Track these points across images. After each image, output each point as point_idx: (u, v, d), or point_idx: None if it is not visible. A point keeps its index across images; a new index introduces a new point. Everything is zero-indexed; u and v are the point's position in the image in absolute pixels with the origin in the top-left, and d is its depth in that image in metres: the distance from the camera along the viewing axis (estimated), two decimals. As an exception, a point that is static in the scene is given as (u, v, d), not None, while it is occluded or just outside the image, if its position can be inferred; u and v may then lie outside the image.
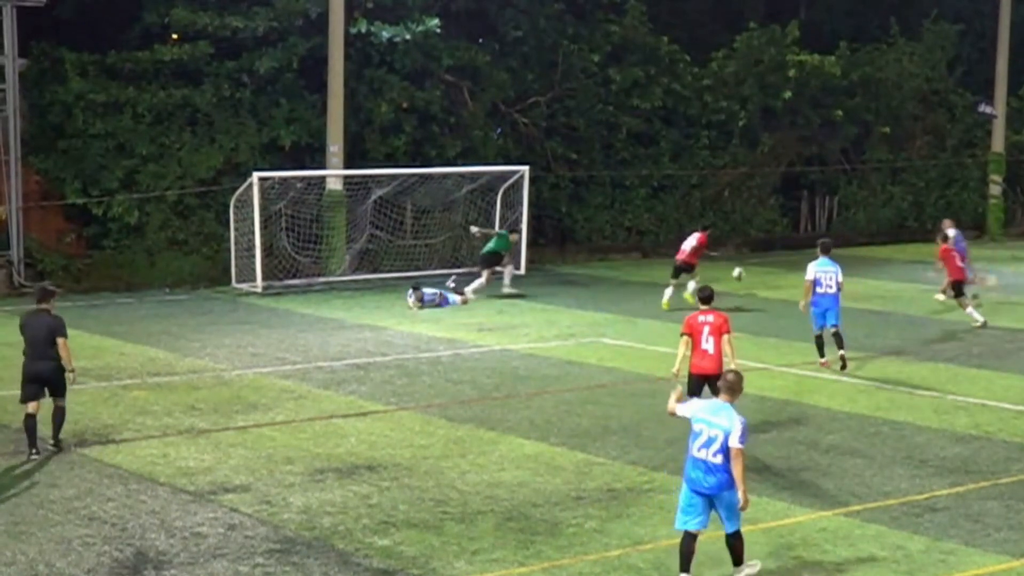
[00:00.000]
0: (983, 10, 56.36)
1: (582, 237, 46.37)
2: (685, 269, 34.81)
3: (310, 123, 40.35)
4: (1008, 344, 30.02)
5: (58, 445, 19.94)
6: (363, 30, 40.10)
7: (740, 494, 14.33)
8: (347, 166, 39.46)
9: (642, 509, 17.31)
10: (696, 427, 14.63)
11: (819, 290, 26.35)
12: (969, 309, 32.20)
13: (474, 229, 38.64)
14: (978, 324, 31.87)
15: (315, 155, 40.10)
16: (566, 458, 19.76)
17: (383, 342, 29.55)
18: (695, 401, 15.23)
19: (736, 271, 36.04)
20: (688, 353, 20.48)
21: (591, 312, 33.80)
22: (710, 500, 14.55)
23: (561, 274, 41.36)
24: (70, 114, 38.45)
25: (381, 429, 21.55)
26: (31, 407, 19.79)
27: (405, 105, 41.65)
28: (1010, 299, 36.14)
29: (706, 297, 20.87)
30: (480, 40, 44.77)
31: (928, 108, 55.28)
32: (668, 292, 34.28)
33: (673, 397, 15.37)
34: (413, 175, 40.41)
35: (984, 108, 54.39)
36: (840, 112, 50.76)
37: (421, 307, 34.15)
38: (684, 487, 14.70)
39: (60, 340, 19.85)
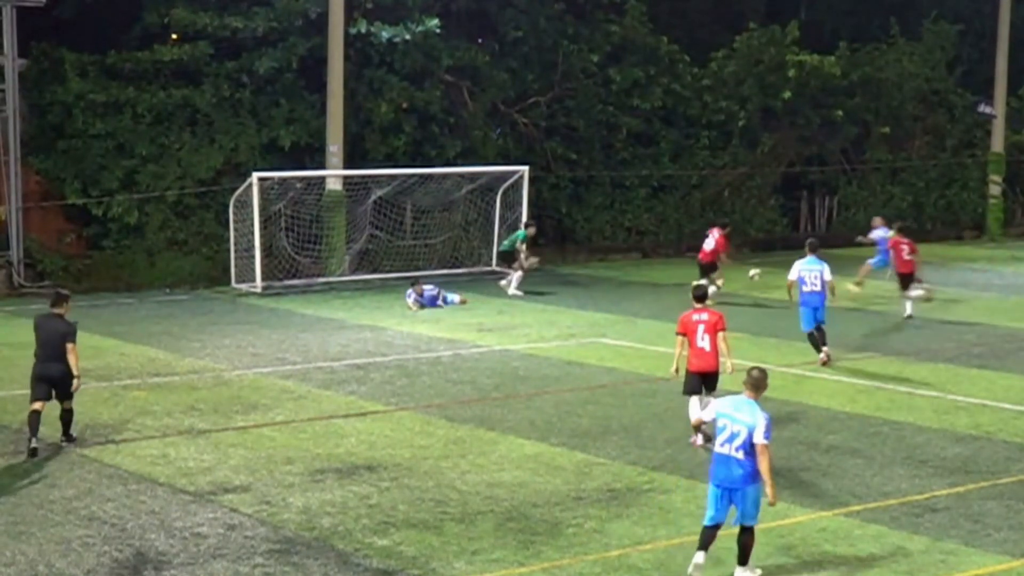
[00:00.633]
0: (983, 10, 56.37)
1: (582, 237, 46.36)
2: (710, 268, 35.15)
3: (310, 123, 40.35)
4: (1008, 344, 30.01)
5: (70, 439, 20.37)
6: (363, 30, 40.11)
7: (768, 489, 14.53)
8: (347, 166, 39.46)
9: (642, 509, 17.30)
10: (720, 423, 14.76)
11: (805, 288, 26.95)
12: (912, 295, 33.39)
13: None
14: (907, 315, 33.08)
15: (315, 155, 40.10)
16: (566, 458, 19.75)
17: (383, 342, 29.54)
18: (716, 401, 15.25)
19: (752, 272, 36.04)
20: (685, 352, 20.63)
21: (591, 312, 33.80)
22: (730, 495, 14.62)
23: (561, 274, 41.35)
24: (70, 114, 38.46)
25: (381, 429, 21.54)
26: (37, 405, 20.09)
27: (405, 105, 41.66)
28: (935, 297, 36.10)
29: (700, 295, 20.99)
30: (480, 40, 44.78)
31: (928, 108, 55.28)
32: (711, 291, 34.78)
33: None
34: (413, 175, 40.40)
35: (984, 108, 54.39)
36: (840, 112, 50.76)
37: (421, 307, 34.14)
38: (710, 482, 14.94)
39: (69, 346, 20.14)
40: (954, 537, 16.29)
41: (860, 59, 52.22)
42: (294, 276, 38.33)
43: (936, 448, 20.64)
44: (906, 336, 30.72)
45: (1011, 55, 54.12)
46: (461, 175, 41.55)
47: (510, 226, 41.61)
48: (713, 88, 49.13)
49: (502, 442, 20.73)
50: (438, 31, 40.90)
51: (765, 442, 14.42)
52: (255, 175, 37.11)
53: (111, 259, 38.42)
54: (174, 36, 40.56)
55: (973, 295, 37.94)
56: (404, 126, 41.72)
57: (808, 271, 26.96)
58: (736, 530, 14.83)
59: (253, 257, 37.06)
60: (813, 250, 27.57)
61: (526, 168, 42.03)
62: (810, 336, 27.04)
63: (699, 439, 20.28)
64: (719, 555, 15.48)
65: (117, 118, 38.78)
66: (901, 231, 35.40)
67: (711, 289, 34.15)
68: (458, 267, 41.16)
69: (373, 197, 40.04)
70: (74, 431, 20.52)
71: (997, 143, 55.00)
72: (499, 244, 41.26)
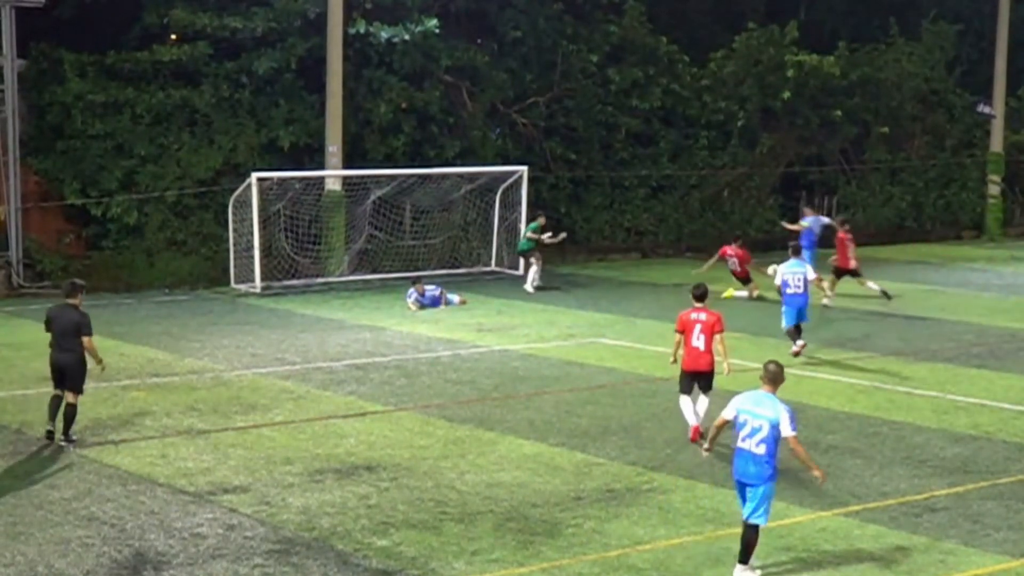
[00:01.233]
0: (982, 10, 56.38)
1: (581, 237, 46.33)
2: (746, 280, 36.63)
3: (309, 124, 40.33)
4: (1007, 344, 30.03)
5: (70, 440, 20.28)
6: (362, 31, 40.09)
7: (815, 472, 14.98)
8: (346, 166, 39.45)
9: (641, 509, 17.31)
10: (740, 418, 14.82)
11: (788, 291, 27.67)
12: (869, 284, 35.21)
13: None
14: (875, 291, 35.11)
15: (314, 156, 40.09)
16: (565, 458, 19.76)
17: (382, 342, 29.55)
18: (736, 398, 15.27)
19: (770, 269, 35.96)
20: (678, 348, 20.98)
21: (590, 312, 33.81)
22: (743, 489, 14.72)
23: (560, 274, 41.32)
24: (69, 115, 38.44)
25: (380, 429, 21.55)
26: (57, 391, 20.56)
27: (404, 105, 41.64)
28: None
29: (700, 295, 21.05)
30: (479, 40, 44.76)
31: (927, 108, 55.27)
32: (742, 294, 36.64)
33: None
34: (412, 175, 40.39)
35: (983, 108, 54.37)
36: (839, 112, 50.74)
37: (421, 307, 34.14)
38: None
39: (85, 339, 20.32)
40: (953, 537, 16.31)
41: (859, 59, 52.20)
42: (293, 276, 38.32)
43: (935, 448, 20.66)
44: (905, 336, 30.73)
45: (1010, 55, 54.14)
46: (460, 175, 41.54)
47: (509, 226, 41.63)
48: (712, 88, 49.12)
49: (501, 442, 20.74)
50: (437, 31, 40.89)
51: (794, 433, 14.63)
52: (254, 175, 37.10)
53: (110, 259, 38.40)
54: (173, 36, 40.54)
55: (972, 295, 37.95)
56: (403, 126, 41.71)
57: (791, 274, 27.67)
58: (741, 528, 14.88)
59: (252, 257, 37.05)
60: (796, 253, 28.84)
61: (525, 168, 42.00)
62: (788, 332, 27.76)
63: (691, 422, 20.56)
64: (718, 555, 15.51)
65: (116, 118, 38.76)
66: (844, 224, 36.75)
67: (751, 293, 36.29)
68: (457, 267, 41.15)
69: (372, 197, 40.02)
70: (74, 433, 20.44)
71: (996, 143, 55.00)
72: (498, 244, 41.32)
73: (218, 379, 25.46)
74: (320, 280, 38.51)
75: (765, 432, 14.57)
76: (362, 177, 39.75)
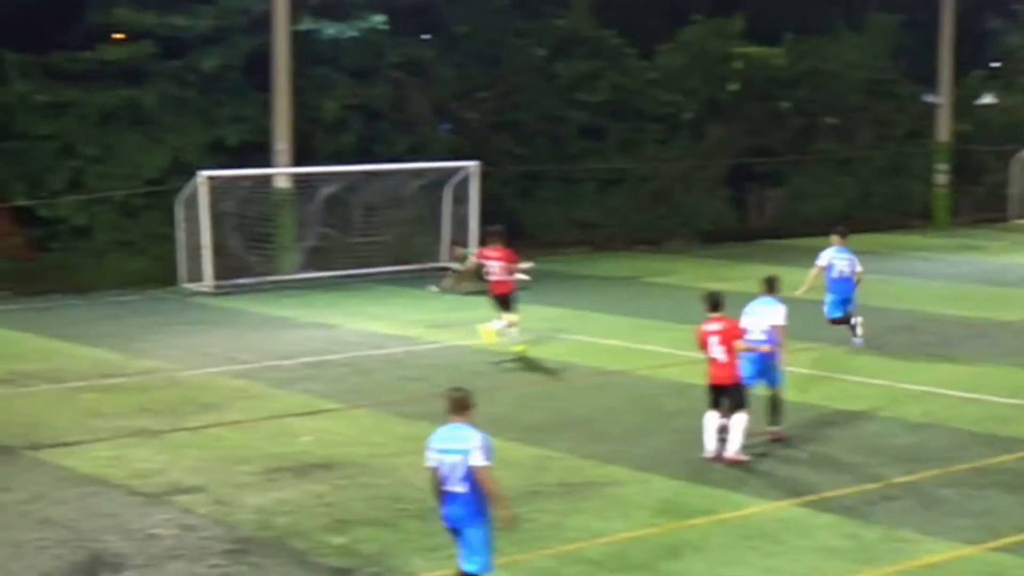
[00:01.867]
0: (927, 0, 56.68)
1: (532, 232, 46.33)
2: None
3: (256, 121, 40.18)
4: (956, 332, 30.20)
5: None
6: (308, 28, 39.99)
7: (503, 513, 13.16)
8: (295, 164, 39.34)
9: (598, 503, 17.32)
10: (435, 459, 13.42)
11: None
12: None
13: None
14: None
15: (262, 154, 39.93)
16: (521, 453, 19.75)
17: (335, 340, 29.48)
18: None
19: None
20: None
21: (543, 307, 33.77)
22: None
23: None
24: (14, 116, 38.17)
25: (335, 427, 21.51)
26: None
27: (352, 102, 41.54)
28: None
29: (714, 305, 19.43)
30: (426, 36, 44.70)
31: (874, 98, 55.52)
32: None
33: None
34: (361, 172, 40.32)
35: (929, 98, 54.71)
36: (786, 104, 50.97)
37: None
38: None
39: None
40: (909, 525, 16.38)
41: (805, 50, 52.44)
42: (245, 275, 38.16)
43: (889, 436, 20.76)
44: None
45: (955, 45, 54.40)
46: (410, 171, 41.49)
47: (459, 221, 41.58)
48: (660, 81, 49.22)
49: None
50: (384, 27, 40.83)
51: (486, 464, 12.91)
52: (202, 174, 36.95)
53: (59, 261, 38.16)
54: (118, 36, 40.31)
55: (922, 284, 38.16)
56: (351, 123, 41.63)
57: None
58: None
59: (203, 257, 36.89)
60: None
61: (475, 164, 41.96)
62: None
63: (708, 452, 19.36)
64: (675, 546, 15.54)
65: (62, 119, 38.52)
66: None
67: None
68: (408, 263, 41.06)
69: (322, 195, 39.93)
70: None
71: (943, 132, 55.31)
72: (449, 240, 41.26)
73: (171, 379, 25.34)
74: (271, 278, 38.37)
75: (463, 468, 12.95)
76: (311, 174, 39.65)
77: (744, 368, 19.93)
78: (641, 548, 15.59)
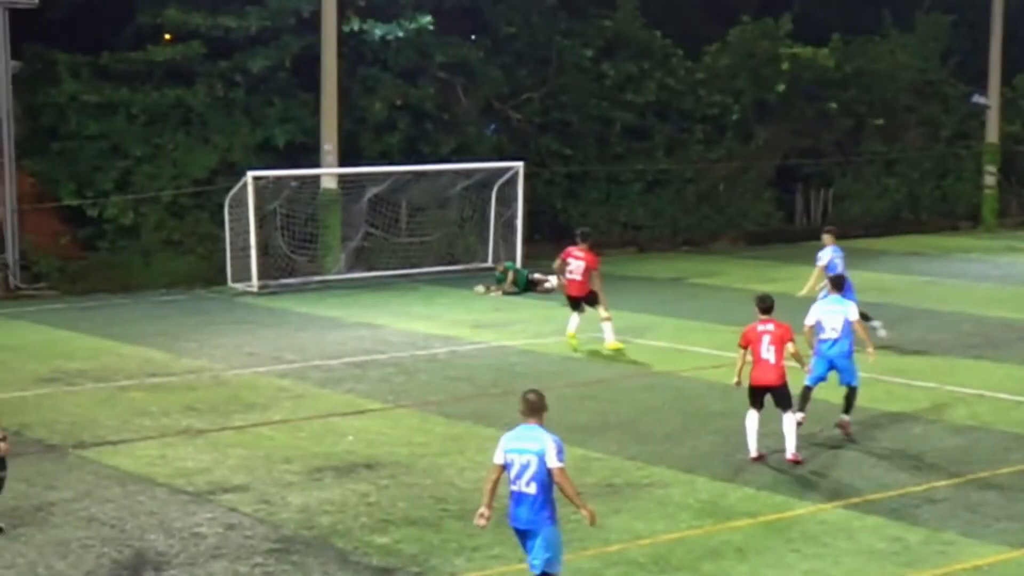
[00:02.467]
0: (976, 0, 56.32)
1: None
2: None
3: (304, 122, 40.32)
4: (1005, 334, 30.02)
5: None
6: (356, 28, 40.10)
7: (583, 512, 13.33)
8: (341, 164, 39.42)
9: (641, 504, 17.31)
10: (508, 458, 13.36)
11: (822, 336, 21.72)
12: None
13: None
14: None
15: (309, 154, 40.04)
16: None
17: (380, 340, 29.53)
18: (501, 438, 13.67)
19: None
20: (746, 363, 19.51)
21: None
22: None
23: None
24: (64, 116, 38.41)
25: (379, 427, 21.55)
26: None
27: (399, 103, 41.60)
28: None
29: (767, 307, 19.57)
30: (473, 37, 44.74)
31: (922, 99, 55.23)
32: None
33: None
34: (407, 172, 40.40)
35: (978, 99, 54.35)
36: (834, 104, 50.69)
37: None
38: None
39: None
40: (953, 528, 16.31)
41: (853, 51, 52.19)
42: (290, 275, 38.29)
43: (934, 439, 20.67)
44: (902, 328, 30.67)
45: (1004, 45, 54.06)
46: (456, 172, 41.55)
47: (506, 222, 41.61)
48: (707, 82, 49.09)
49: (500, 439, 20.69)
50: (431, 28, 40.89)
51: (560, 465, 13.02)
52: (249, 174, 37.08)
53: (107, 260, 38.36)
54: (167, 36, 40.51)
55: (969, 285, 37.94)
56: (398, 123, 41.69)
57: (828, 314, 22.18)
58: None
59: (249, 256, 37.02)
60: (836, 287, 22.66)
61: (521, 164, 41.95)
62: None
63: (751, 453, 19.40)
64: (717, 548, 15.52)
65: (111, 119, 38.73)
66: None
67: None
68: (454, 264, 41.13)
69: (368, 195, 40.03)
70: (5, 505, 16.87)
71: (992, 134, 54.96)
72: (495, 241, 41.29)
73: (216, 378, 25.45)
74: (317, 278, 38.49)
75: (534, 468, 13.04)
76: (357, 175, 39.74)
77: (816, 366, 20.81)
78: (683, 549, 15.57)
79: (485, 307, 34.19)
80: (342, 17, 39.46)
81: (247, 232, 36.98)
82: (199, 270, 38.54)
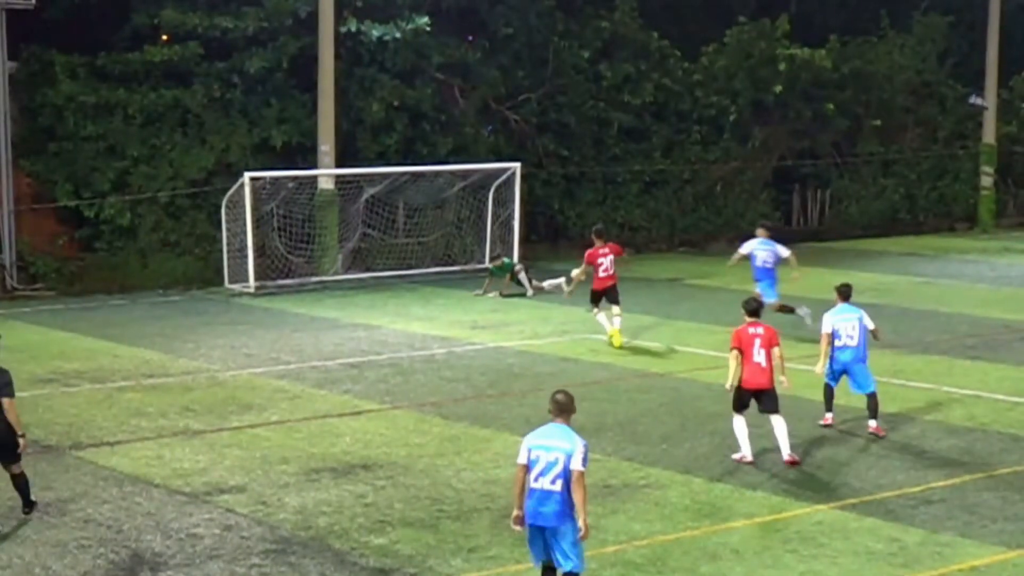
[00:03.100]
0: (973, 1, 56.37)
1: (574, 233, 46.29)
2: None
3: (301, 123, 40.33)
4: (1002, 335, 30.03)
5: (31, 506, 17.15)
6: (353, 29, 40.10)
7: (580, 522, 13.24)
8: (338, 165, 39.45)
9: (638, 505, 17.31)
10: (533, 455, 13.38)
11: (838, 343, 21.69)
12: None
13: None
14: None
15: (306, 155, 40.06)
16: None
17: (377, 341, 29.53)
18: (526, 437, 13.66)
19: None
20: (738, 366, 19.50)
21: (584, 309, 33.74)
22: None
23: (553, 270, 41.22)
24: (61, 116, 38.44)
25: (376, 428, 21.54)
26: None
27: (396, 104, 41.59)
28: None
29: (753, 310, 19.84)
30: (470, 38, 44.73)
31: (919, 100, 55.27)
32: None
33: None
34: (405, 173, 40.40)
35: (975, 100, 54.41)
36: (831, 105, 50.70)
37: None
38: None
39: (6, 401, 16.74)
40: (950, 529, 16.31)
41: (851, 52, 52.20)
42: (287, 276, 38.30)
43: (931, 440, 20.67)
44: (899, 328, 30.68)
45: (1001, 46, 54.11)
46: (453, 172, 41.55)
47: (503, 223, 41.61)
48: (704, 83, 49.12)
49: (497, 439, 20.73)
50: (428, 29, 40.89)
51: (582, 469, 13.12)
52: (247, 175, 37.10)
53: (104, 261, 38.37)
54: (164, 37, 40.50)
55: (966, 286, 37.95)
56: (395, 124, 41.68)
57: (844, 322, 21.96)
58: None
59: (246, 257, 37.03)
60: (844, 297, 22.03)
61: (518, 165, 41.99)
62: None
63: (747, 456, 19.39)
64: (715, 550, 15.52)
65: (108, 120, 38.76)
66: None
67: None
68: (451, 265, 41.14)
69: (365, 196, 40.03)
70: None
71: (989, 134, 55.01)
72: (492, 241, 41.27)
73: (213, 379, 25.44)
74: (314, 279, 38.49)
75: (562, 466, 13.12)
76: (355, 176, 39.76)
77: (830, 373, 21.43)
78: (680, 550, 15.57)
79: (482, 308, 34.19)
80: (339, 18, 39.47)
81: (244, 233, 37.00)
82: (196, 271, 38.56)
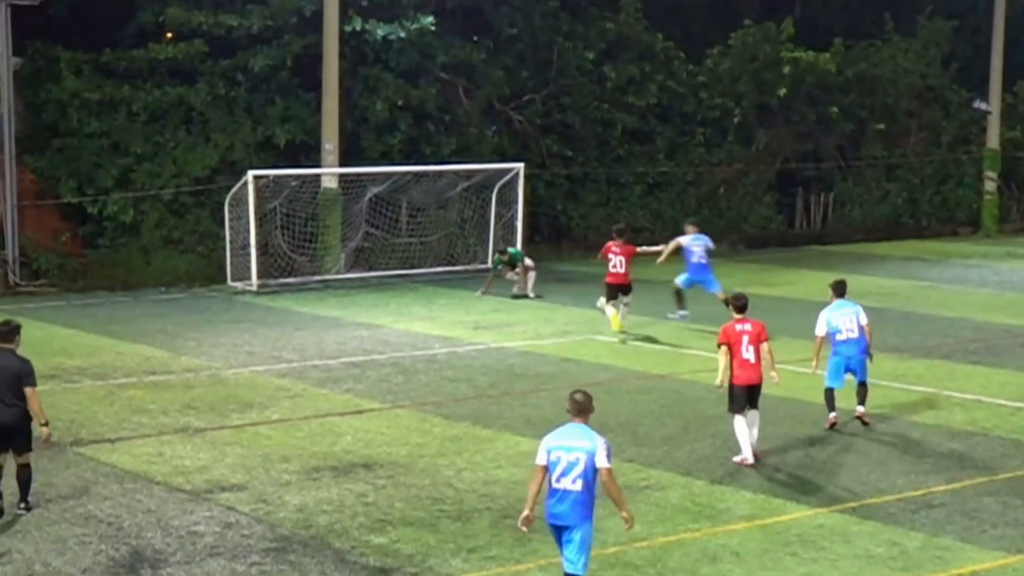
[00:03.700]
0: (978, 5, 56.34)
1: (578, 234, 46.34)
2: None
3: (305, 121, 40.35)
4: (1004, 340, 30.02)
5: (27, 507, 17.01)
6: (358, 28, 40.12)
7: (623, 513, 13.66)
8: (342, 164, 39.47)
9: (638, 506, 17.27)
10: (553, 456, 13.43)
11: (839, 337, 21.97)
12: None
13: None
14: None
15: (310, 153, 40.08)
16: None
17: (379, 340, 29.53)
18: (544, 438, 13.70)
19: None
20: (728, 363, 19.59)
21: (586, 309, 33.70)
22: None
23: (557, 271, 41.29)
24: (65, 113, 38.48)
25: (377, 427, 21.55)
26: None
27: (400, 103, 41.61)
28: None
29: (741, 306, 19.87)
30: (475, 38, 44.76)
31: (923, 104, 55.25)
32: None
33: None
34: (408, 173, 40.42)
35: (979, 104, 54.39)
36: (835, 109, 50.71)
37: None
38: None
39: (29, 390, 16.75)
40: (950, 533, 16.31)
41: (855, 56, 52.19)
42: (290, 274, 38.32)
43: (932, 444, 20.67)
44: (902, 332, 30.71)
45: (1006, 51, 54.10)
46: (456, 173, 41.56)
47: (506, 224, 41.61)
48: (708, 85, 49.14)
49: (498, 440, 20.74)
50: (433, 29, 40.92)
51: (609, 466, 13.28)
52: (250, 173, 37.11)
53: (107, 258, 38.40)
54: (169, 34, 40.54)
55: (969, 291, 37.94)
56: (399, 124, 41.71)
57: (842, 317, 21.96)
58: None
59: (249, 255, 37.04)
60: (839, 293, 22.33)
61: (521, 165, 42.00)
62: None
63: (748, 458, 19.37)
64: (715, 552, 15.52)
65: (112, 116, 38.78)
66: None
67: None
68: (454, 265, 41.15)
69: (369, 195, 40.05)
70: (32, 496, 17.24)
71: (993, 139, 54.99)
72: (495, 242, 41.25)
73: (215, 377, 25.45)
74: (317, 278, 38.51)
75: (582, 466, 13.20)
76: (358, 175, 39.77)
77: (834, 369, 21.66)
78: (681, 552, 15.58)
79: (484, 308, 34.18)
80: (344, 17, 39.51)
81: (247, 231, 37.01)
82: (199, 268, 38.57)
